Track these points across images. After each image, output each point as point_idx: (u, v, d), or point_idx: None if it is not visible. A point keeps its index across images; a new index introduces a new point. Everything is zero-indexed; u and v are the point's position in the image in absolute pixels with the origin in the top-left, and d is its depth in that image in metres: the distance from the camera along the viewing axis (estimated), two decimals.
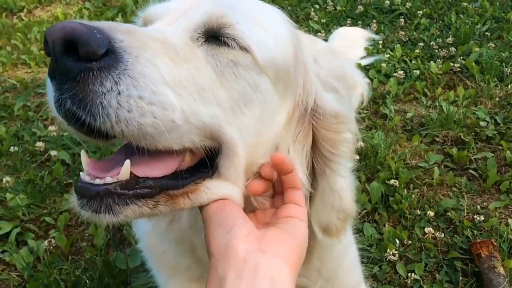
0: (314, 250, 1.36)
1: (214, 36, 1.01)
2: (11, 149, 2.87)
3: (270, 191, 1.15)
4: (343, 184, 1.22)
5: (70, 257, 2.22)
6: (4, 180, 2.61)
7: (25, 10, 5.26)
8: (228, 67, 0.99)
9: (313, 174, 1.21)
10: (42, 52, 4.27)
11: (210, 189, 1.02)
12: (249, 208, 1.14)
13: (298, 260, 0.97)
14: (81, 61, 0.81)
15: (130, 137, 0.87)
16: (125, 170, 0.90)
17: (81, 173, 0.94)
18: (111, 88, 0.82)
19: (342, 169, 1.20)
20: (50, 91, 0.89)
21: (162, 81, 0.88)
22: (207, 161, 1.02)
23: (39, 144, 2.90)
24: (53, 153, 2.82)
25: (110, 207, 0.89)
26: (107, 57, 0.83)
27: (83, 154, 0.97)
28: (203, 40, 1.01)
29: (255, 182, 1.09)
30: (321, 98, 1.17)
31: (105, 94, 0.82)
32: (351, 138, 1.21)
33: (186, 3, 1.11)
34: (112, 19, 4.91)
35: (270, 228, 1.00)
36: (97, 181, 0.90)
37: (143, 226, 1.55)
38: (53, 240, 2.28)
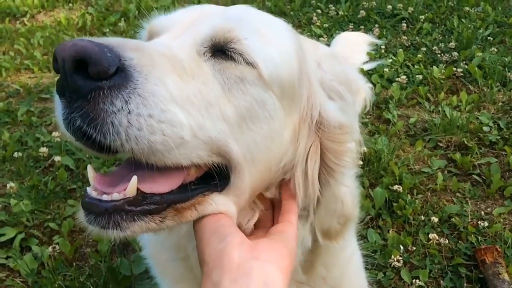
0: (319, 257, 1.36)
1: (220, 50, 1.01)
2: (15, 154, 2.88)
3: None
4: (346, 191, 1.23)
5: (74, 263, 2.22)
6: (8, 185, 2.61)
7: (28, 15, 5.28)
8: (235, 83, 0.99)
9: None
10: (45, 57, 4.29)
11: (216, 202, 1.02)
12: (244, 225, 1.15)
13: (290, 267, 0.98)
14: (92, 80, 0.81)
15: (140, 154, 0.87)
16: (132, 186, 0.90)
17: (87, 188, 0.94)
18: (121, 107, 0.83)
19: (345, 178, 1.21)
20: (58, 107, 0.89)
21: (171, 99, 0.89)
22: (214, 175, 1.02)
23: (43, 149, 2.91)
24: (56, 158, 2.82)
25: (118, 224, 0.89)
26: (117, 75, 0.83)
27: (89, 168, 0.97)
28: (210, 54, 1.01)
29: None
30: (325, 110, 1.16)
31: (115, 113, 0.82)
32: (355, 146, 1.22)
33: (191, 15, 1.11)
34: (115, 24, 4.93)
35: (261, 239, 1.02)
36: (105, 197, 0.90)
37: (147, 234, 1.56)
38: (57, 246, 2.28)
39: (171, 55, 0.95)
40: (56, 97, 0.89)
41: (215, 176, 1.02)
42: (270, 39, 1.07)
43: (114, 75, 0.83)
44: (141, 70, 0.86)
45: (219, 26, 1.02)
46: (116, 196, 0.90)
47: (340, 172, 1.17)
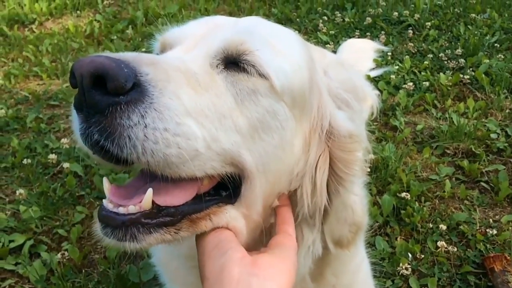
0: (328, 266, 1.37)
1: (233, 62, 1.03)
2: (24, 161, 2.90)
3: None
4: (355, 199, 1.24)
5: (83, 270, 2.23)
6: (17, 192, 2.63)
7: (36, 22, 5.32)
8: (247, 95, 1.01)
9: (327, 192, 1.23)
10: (54, 64, 4.33)
11: (230, 213, 1.04)
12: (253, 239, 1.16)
13: (289, 283, 0.99)
14: (109, 95, 0.84)
15: (155, 167, 0.89)
16: (147, 198, 0.92)
17: (104, 201, 0.95)
18: (138, 121, 0.85)
19: (355, 187, 1.22)
20: (76, 122, 0.91)
21: (185, 112, 0.91)
22: (227, 185, 1.03)
23: (52, 156, 2.93)
24: (65, 165, 2.84)
25: (134, 236, 0.91)
26: (134, 90, 0.85)
27: (105, 180, 0.99)
28: (223, 67, 1.03)
29: None
30: (335, 119, 1.18)
31: (132, 127, 0.85)
32: (364, 155, 1.23)
33: (203, 27, 1.13)
34: (123, 31, 4.96)
35: (262, 254, 1.02)
36: (121, 210, 0.92)
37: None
38: (66, 252, 2.29)
39: (185, 69, 0.97)
40: (74, 112, 0.91)
41: (229, 186, 1.03)
42: (281, 50, 1.09)
43: (130, 90, 0.85)
44: (156, 84, 0.88)
45: (231, 38, 1.04)
46: (132, 208, 0.91)
47: (349, 180, 1.18)
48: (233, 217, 1.05)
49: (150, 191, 0.92)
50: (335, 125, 1.17)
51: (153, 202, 0.93)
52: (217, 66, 1.03)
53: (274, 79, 1.03)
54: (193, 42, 1.08)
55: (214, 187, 1.03)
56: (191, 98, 0.93)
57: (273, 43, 1.09)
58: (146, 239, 0.92)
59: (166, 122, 0.87)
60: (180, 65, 0.97)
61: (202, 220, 1.00)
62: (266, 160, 1.05)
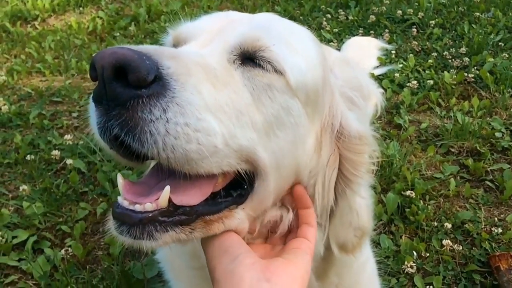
0: (332, 266, 1.36)
1: (249, 58, 1.03)
2: (27, 157, 2.89)
3: (286, 229, 1.17)
4: (361, 203, 1.23)
5: (87, 266, 2.22)
6: (20, 188, 2.63)
7: (39, 19, 5.30)
8: (263, 90, 1.01)
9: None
10: (56, 60, 4.32)
11: (239, 215, 1.03)
12: (261, 236, 1.15)
13: None
14: (131, 88, 0.82)
15: (175, 163, 0.87)
16: (165, 196, 0.90)
17: (118, 198, 0.94)
18: (160, 115, 0.83)
19: (361, 189, 1.22)
20: (93, 115, 0.89)
21: (206, 108, 0.89)
22: (238, 184, 1.03)
23: (55, 152, 2.92)
24: (68, 161, 2.84)
25: (151, 234, 0.90)
26: (156, 84, 0.84)
27: (119, 176, 0.97)
28: (240, 62, 1.03)
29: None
30: (346, 120, 1.18)
31: (153, 121, 0.83)
32: (372, 157, 1.22)
33: (217, 23, 1.12)
34: (125, 28, 4.95)
35: (275, 258, 1.01)
36: (137, 207, 0.90)
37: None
38: (69, 249, 2.28)
39: (204, 63, 0.96)
40: (92, 105, 0.89)
41: (244, 182, 1.03)
42: (295, 47, 1.09)
43: (152, 84, 0.83)
44: (178, 78, 0.86)
45: (248, 34, 1.04)
46: (148, 206, 0.90)
47: (357, 182, 1.18)
48: (241, 220, 1.04)
49: (167, 188, 0.90)
50: (346, 125, 1.17)
51: (169, 200, 0.92)
52: (234, 62, 1.02)
53: (290, 75, 1.03)
54: (209, 37, 1.07)
55: (224, 188, 1.02)
56: (211, 93, 0.92)
57: (289, 40, 1.08)
58: (162, 238, 0.91)
59: (187, 117, 0.86)
60: (200, 60, 0.96)
61: (215, 222, 0.99)
62: (280, 156, 1.05)
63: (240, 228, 1.04)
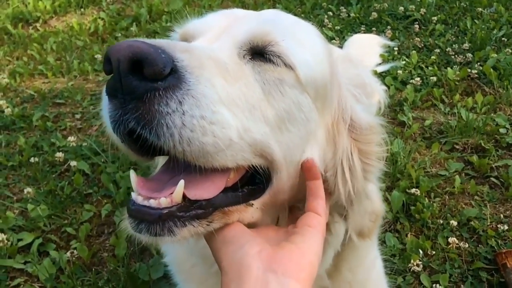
0: (344, 261, 1.37)
1: (259, 53, 1.03)
2: (31, 159, 2.89)
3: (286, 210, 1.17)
4: (374, 189, 1.26)
5: (92, 268, 2.22)
6: (25, 191, 2.62)
7: (40, 21, 5.30)
8: (274, 85, 1.01)
9: None
10: (59, 62, 4.32)
11: (254, 211, 1.03)
12: (264, 222, 1.14)
13: (309, 277, 0.96)
14: (147, 81, 0.81)
15: (190, 156, 0.87)
16: (179, 190, 0.90)
17: (132, 194, 0.93)
18: (176, 108, 0.83)
19: (374, 177, 1.24)
20: (106, 109, 0.89)
21: (220, 101, 0.89)
22: (253, 178, 1.03)
23: (59, 154, 2.92)
24: (72, 163, 2.83)
25: (171, 230, 0.90)
26: (171, 76, 0.83)
27: (132, 173, 0.96)
28: (249, 57, 1.03)
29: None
30: (356, 113, 1.19)
31: (170, 114, 0.83)
32: (382, 145, 1.23)
33: (224, 19, 1.13)
34: (127, 28, 4.95)
35: (282, 244, 0.99)
36: (152, 202, 0.89)
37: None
38: (74, 251, 2.28)
39: (216, 57, 0.96)
40: (105, 99, 0.89)
41: (258, 176, 1.03)
42: (303, 42, 1.09)
43: (167, 76, 0.83)
44: (192, 71, 0.86)
45: (257, 29, 1.04)
46: (163, 201, 0.89)
47: (369, 171, 1.19)
48: (254, 215, 1.04)
49: (182, 182, 0.90)
50: (356, 118, 1.18)
51: (184, 195, 0.91)
52: (244, 57, 1.02)
53: (299, 70, 1.03)
54: (216, 33, 1.08)
55: (234, 185, 1.02)
56: (223, 87, 0.91)
57: (296, 36, 1.09)
58: (181, 232, 0.91)
59: (202, 110, 0.86)
60: (211, 54, 0.96)
61: (234, 212, 0.99)
62: (293, 151, 1.05)
63: (251, 221, 1.04)
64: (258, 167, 1.00)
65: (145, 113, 0.82)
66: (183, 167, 0.94)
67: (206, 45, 1.03)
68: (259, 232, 1.03)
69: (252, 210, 1.03)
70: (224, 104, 0.90)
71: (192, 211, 0.92)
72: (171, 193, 0.90)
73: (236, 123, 0.92)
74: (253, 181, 1.05)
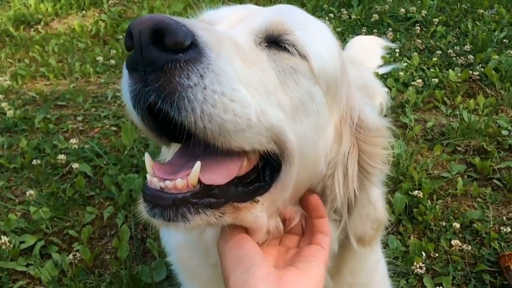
0: (345, 264, 1.37)
1: (274, 42, 1.04)
2: (33, 162, 2.89)
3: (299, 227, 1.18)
4: (377, 194, 1.25)
5: (95, 271, 2.22)
6: (27, 193, 2.62)
7: (42, 23, 5.31)
8: (289, 73, 1.02)
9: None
10: (60, 64, 4.32)
11: (257, 212, 1.02)
12: (277, 234, 1.14)
13: None
14: (167, 52, 0.81)
15: (211, 134, 0.86)
16: (195, 172, 0.90)
17: (147, 175, 0.93)
18: (198, 82, 0.83)
19: (378, 180, 1.23)
20: (126, 84, 0.88)
21: (238, 80, 0.89)
22: (261, 172, 1.03)
23: (61, 156, 2.92)
24: (74, 165, 2.83)
25: (185, 216, 0.89)
26: (192, 50, 0.83)
27: (147, 156, 0.97)
28: (265, 45, 1.04)
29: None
30: (364, 112, 1.19)
31: (191, 87, 0.82)
32: (388, 149, 1.23)
33: (240, 11, 1.15)
34: None
35: (288, 268, 1.01)
36: (168, 183, 0.89)
37: (174, 239, 1.55)
38: (77, 253, 2.28)
39: (234, 39, 0.97)
40: (125, 74, 0.89)
41: (272, 163, 1.03)
42: (316, 35, 1.11)
43: (188, 49, 0.83)
44: (212, 47, 0.86)
45: (273, 18, 1.06)
46: (179, 182, 0.89)
47: (374, 174, 1.19)
48: (262, 214, 1.03)
49: (198, 164, 0.90)
50: (364, 118, 1.18)
51: (199, 180, 0.91)
52: (260, 44, 1.03)
53: (313, 60, 1.04)
54: (232, 22, 1.09)
55: (245, 177, 1.02)
56: (241, 68, 0.92)
57: (310, 28, 1.10)
58: (195, 220, 0.90)
59: (223, 86, 0.86)
60: (230, 36, 0.97)
61: (243, 209, 0.99)
62: (304, 143, 1.05)
63: (260, 223, 1.04)
64: (272, 153, 1.00)
65: (166, 84, 0.82)
66: (198, 152, 0.94)
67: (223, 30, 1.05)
68: (266, 253, 1.04)
69: (260, 212, 1.02)
70: (243, 84, 0.90)
71: (205, 199, 0.92)
72: (187, 175, 0.90)
73: (254, 104, 0.92)
74: (260, 177, 1.05)
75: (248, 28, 1.05)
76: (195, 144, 0.92)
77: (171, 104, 0.83)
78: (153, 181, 0.91)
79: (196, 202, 0.90)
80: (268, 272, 0.96)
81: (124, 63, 0.89)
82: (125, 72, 0.89)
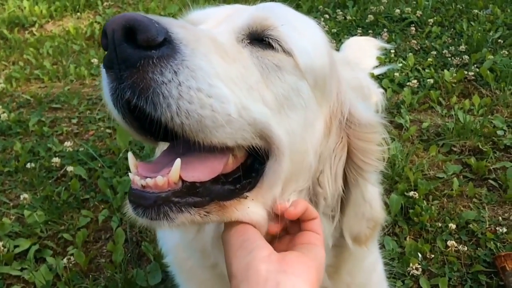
0: (344, 263, 1.36)
1: (257, 39, 1.03)
2: (28, 165, 2.87)
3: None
4: (373, 193, 1.24)
5: (90, 275, 2.20)
6: (21, 196, 2.61)
7: (36, 25, 5.29)
8: (273, 70, 1.01)
9: (345, 183, 1.22)
10: (55, 66, 4.30)
11: (250, 208, 1.02)
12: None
13: (317, 281, 0.97)
14: (140, 49, 0.82)
15: (189, 130, 0.86)
16: (175, 169, 0.90)
17: (130, 174, 0.94)
18: (171, 78, 0.83)
19: (373, 177, 1.22)
20: (105, 83, 0.89)
21: (216, 76, 0.89)
22: (248, 169, 1.02)
23: (55, 159, 2.90)
24: (69, 168, 2.82)
25: (167, 215, 0.90)
26: (165, 46, 0.84)
27: (130, 155, 0.97)
28: (248, 41, 1.03)
29: (272, 226, 1.08)
30: (355, 108, 1.18)
31: (165, 83, 0.83)
32: (382, 147, 1.22)
33: (226, 11, 1.14)
34: None
35: (289, 251, 1.00)
36: (149, 181, 0.89)
37: (171, 239, 1.55)
38: (71, 257, 2.26)
39: (213, 38, 0.97)
40: (103, 72, 0.89)
41: (259, 159, 1.03)
42: (303, 31, 1.10)
43: (161, 46, 0.83)
44: (188, 44, 0.86)
45: (256, 14, 1.06)
46: (160, 179, 0.89)
47: (368, 171, 1.18)
48: (254, 210, 1.03)
49: (178, 161, 0.90)
50: (355, 113, 1.17)
51: (180, 178, 0.91)
52: (242, 41, 1.03)
53: (298, 56, 1.03)
54: (217, 21, 1.09)
55: (231, 175, 1.01)
56: (220, 64, 0.91)
57: (296, 25, 1.09)
58: (178, 218, 0.91)
59: (199, 82, 0.86)
60: (209, 34, 0.97)
61: (230, 207, 0.99)
62: (293, 138, 1.04)
63: (255, 218, 1.03)
64: (258, 148, 0.99)
65: (140, 81, 0.82)
66: (182, 152, 0.94)
67: (205, 28, 1.04)
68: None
69: (248, 206, 1.02)
70: (222, 80, 0.90)
71: (188, 198, 0.92)
72: (168, 172, 0.90)
73: (235, 100, 0.91)
74: (248, 174, 1.04)
75: (231, 26, 1.05)
76: (181, 143, 0.92)
77: (146, 100, 0.83)
78: (135, 179, 0.91)
79: (178, 201, 0.91)
80: (269, 254, 0.95)
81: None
82: (102, 71, 0.89)
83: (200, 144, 0.90)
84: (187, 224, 0.93)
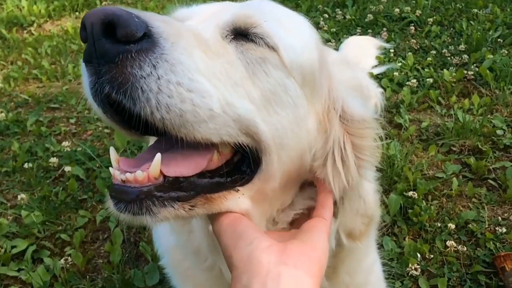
0: (342, 263, 1.36)
1: (242, 35, 1.02)
2: (25, 165, 2.86)
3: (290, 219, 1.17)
4: (368, 189, 1.23)
5: (87, 275, 2.19)
6: (19, 197, 2.60)
7: (35, 25, 5.29)
8: (258, 64, 1.00)
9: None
10: (53, 66, 4.29)
11: (240, 199, 1.02)
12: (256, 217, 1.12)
13: (319, 271, 0.96)
14: (119, 44, 0.81)
15: (170, 125, 0.85)
16: (156, 164, 0.89)
17: (110, 168, 0.93)
18: (150, 72, 0.82)
19: (368, 173, 1.21)
20: (85, 77, 0.88)
21: (198, 70, 0.88)
22: (237, 165, 1.02)
23: (53, 159, 2.89)
24: (67, 168, 2.81)
25: (150, 209, 0.89)
26: (144, 40, 0.83)
27: (112, 150, 0.96)
28: (232, 37, 1.02)
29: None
30: (348, 104, 1.17)
31: (144, 78, 0.82)
32: (377, 143, 1.21)
33: (213, 8, 1.13)
34: None
35: (291, 241, 0.99)
36: (128, 175, 0.88)
37: (167, 241, 1.54)
38: (69, 257, 2.26)
39: (197, 32, 0.96)
40: (83, 67, 0.88)
41: (246, 163, 1.02)
42: (289, 28, 1.08)
43: (141, 40, 0.82)
44: (168, 38, 0.85)
45: (240, 12, 1.04)
46: (139, 174, 0.88)
47: (363, 167, 1.17)
48: (245, 202, 1.03)
49: (158, 156, 0.89)
50: (348, 109, 1.16)
51: (162, 173, 0.90)
52: (226, 37, 1.02)
53: (283, 52, 1.02)
54: (202, 18, 1.08)
55: (219, 170, 1.00)
56: (203, 59, 0.90)
57: (282, 21, 1.08)
58: (161, 213, 0.90)
59: (179, 76, 0.84)
60: (192, 29, 0.96)
61: (216, 200, 0.98)
62: (283, 134, 1.03)
63: (246, 211, 1.03)
64: (245, 146, 0.99)
65: (118, 75, 0.81)
66: (166, 147, 0.93)
67: (189, 23, 1.03)
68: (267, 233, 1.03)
69: (238, 198, 1.01)
70: (203, 75, 0.89)
71: (171, 192, 0.91)
72: (148, 167, 0.89)
73: (218, 95, 0.90)
74: (239, 169, 1.04)
75: (215, 22, 1.03)
76: (165, 138, 0.91)
77: (124, 95, 0.82)
78: (115, 174, 0.90)
79: (161, 195, 0.90)
80: (270, 244, 0.94)
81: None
82: (82, 65, 0.88)
83: (183, 139, 0.89)
84: (171, 219, 0.92)
